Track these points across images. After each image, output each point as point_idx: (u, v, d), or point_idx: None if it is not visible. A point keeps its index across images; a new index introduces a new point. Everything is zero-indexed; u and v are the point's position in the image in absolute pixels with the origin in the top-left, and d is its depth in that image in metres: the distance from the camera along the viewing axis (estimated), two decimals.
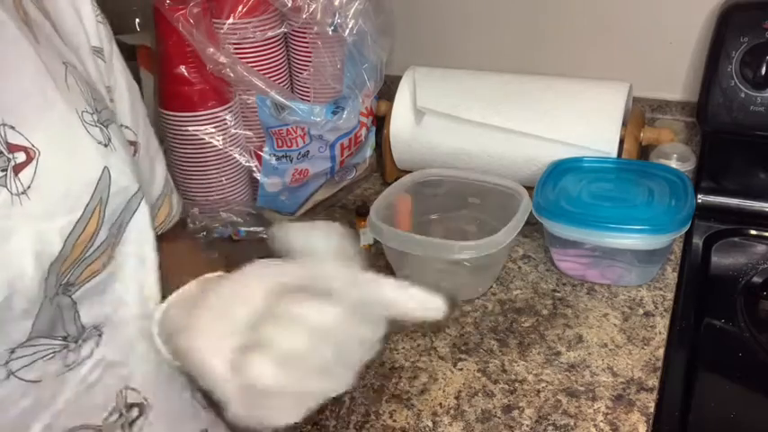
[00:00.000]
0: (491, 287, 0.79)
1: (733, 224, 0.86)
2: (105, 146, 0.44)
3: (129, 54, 1.02)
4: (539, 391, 0.65)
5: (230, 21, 0.82)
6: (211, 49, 0.80)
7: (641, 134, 0.89)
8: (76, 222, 0.42)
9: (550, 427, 0.62)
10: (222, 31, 0.82)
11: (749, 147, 0.90)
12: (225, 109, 0.84)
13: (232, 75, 0.81)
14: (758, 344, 0.71)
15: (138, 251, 0.49)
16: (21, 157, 0.40)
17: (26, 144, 0.40)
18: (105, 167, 0.43)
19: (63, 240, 0.41)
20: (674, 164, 0.87)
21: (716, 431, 0.64)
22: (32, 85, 0.42)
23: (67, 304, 0.44)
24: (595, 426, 0.62)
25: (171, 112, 0.84)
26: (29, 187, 0.40)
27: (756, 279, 0.79)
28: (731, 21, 0.87)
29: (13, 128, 0.40)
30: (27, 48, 0.42)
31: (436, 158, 0.92)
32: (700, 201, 0.86)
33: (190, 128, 0.83)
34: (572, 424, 0.62)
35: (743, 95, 0.87)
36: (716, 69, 0.88)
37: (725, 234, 0.85)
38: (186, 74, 0.81)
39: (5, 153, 0.39)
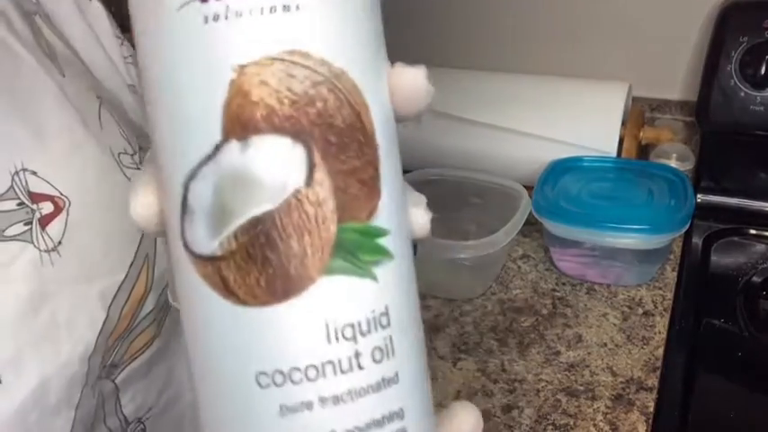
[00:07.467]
0: (491, 287, 0.79)
1: (733, 224, 0.86)
2: None
3: None
4: (538, 391, 0.65)
5: None
6: None
7: (641, 134, 0.89)
8: (120, 285, 0.35)
9: (550, 427, 0.62)
10: None
11: (749, 146, 0.90)
12: None
13: None
14: (758, 344, 0.71)
15: None
16: (47, 207, 0.33)
17: (53, 192, 0.33)
18: None
19: (106, 308, 0.35)
20: (673, 163, 0.87)
21: (715, 431, 0.64)
22: (56, 121, 0.35)
23: (110, 391, 0.37)
24: (595, 425, 0.62)
25: None
26: (59, 243, 0.33)
27: (756, 279, 0.79)
28: (731, 20, 0.87)
29: (35, 173, 0.33)
30: (47, 81, 0.35)
31: (436, 158, 0.92)
32: (699, 200, 0.86)
33: None
34: (572, 423, 0.62)
35: (743, 95, 0.87)
36: (715, 69, 0.88)
37: (724, 234, 0.85)
38: None
39: (28, 203, 0.32)
